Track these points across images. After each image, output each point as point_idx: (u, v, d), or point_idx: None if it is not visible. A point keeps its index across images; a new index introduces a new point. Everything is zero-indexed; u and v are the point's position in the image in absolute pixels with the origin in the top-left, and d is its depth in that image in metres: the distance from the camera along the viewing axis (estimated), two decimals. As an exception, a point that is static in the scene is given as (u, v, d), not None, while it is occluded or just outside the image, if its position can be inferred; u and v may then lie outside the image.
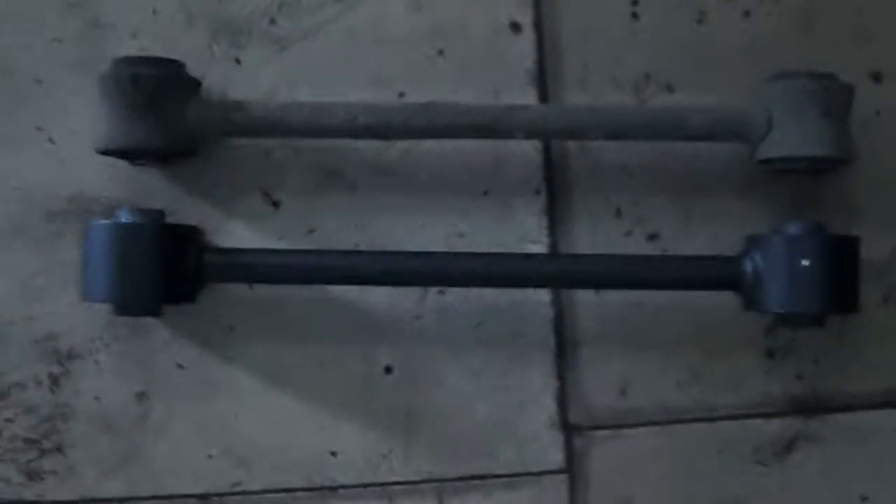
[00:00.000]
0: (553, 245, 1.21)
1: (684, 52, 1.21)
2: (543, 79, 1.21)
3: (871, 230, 1.19)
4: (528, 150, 1.21)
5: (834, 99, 1.13)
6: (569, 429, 1.21)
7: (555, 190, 1.21)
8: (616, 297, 1.20)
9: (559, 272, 1.17)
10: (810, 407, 1.21)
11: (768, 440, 1.20)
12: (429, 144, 1.20)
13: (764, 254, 1.12)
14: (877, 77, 1.21)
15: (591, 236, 1.21)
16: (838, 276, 1.12)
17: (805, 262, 1.11)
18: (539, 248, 1.21)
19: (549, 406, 1.20)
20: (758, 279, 1.12)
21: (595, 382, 1.21)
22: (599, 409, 1.21)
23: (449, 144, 1.20)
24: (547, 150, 1.21)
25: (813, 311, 1.13)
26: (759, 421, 1.21)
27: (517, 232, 1.21)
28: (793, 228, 1.13)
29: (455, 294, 1.20)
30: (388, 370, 1.21)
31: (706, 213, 1.21)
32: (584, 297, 1.21)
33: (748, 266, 1.13)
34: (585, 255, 1.20)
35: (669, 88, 1.21)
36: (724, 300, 1.17)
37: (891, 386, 1.21)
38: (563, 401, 1.21)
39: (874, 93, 1.21)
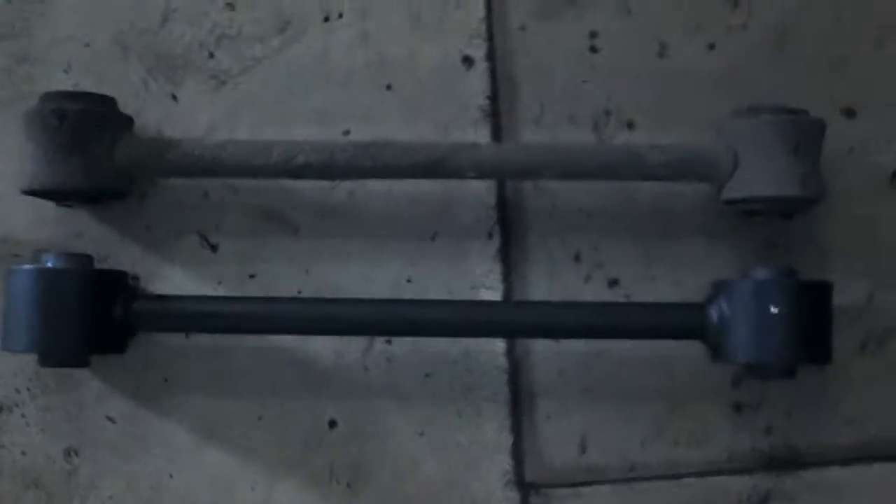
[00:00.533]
0: (507, 292, 1.14)
1: (646, 87, 1.15)
2: (497, 115, 1.15)
3: (845, 274, 1.12)
4: (480, 190, 1.14)
5: (804, 135, 1.06)
6: (525, 487, 1.13)
7: (509, 233, 1.15)
8: (575, 347, 1.13)
9: (514, 320, 1.10)
10: (782, 463, 1.13)
11: (738, 500, 1.13)
12: (375, 185, 1.14)
13: (730, 301, 1.06)
14: (849, 112, 1.15)
15: (548, 282, 1.14)
16: (810, 325, 1.05)
17: (774, 310, 1.04)
18: (493, 294, 1.14)
19: (503, 463, 1.13)
20: (724, 328, 1.05)
21: (553, 437, 1.13)
22: (558, 465, 1.13)
23: (396, 185, 1.13)
24: (500, 191, 1.14)
25: (783, 361, 1.06)
26: (727, 478, 1.13)
27: (469, 278, 1.14)
28: (761, 273, 1.06)
29: (403, 344, 1.13)
30: (332, 424, 1.13)
31: (669, 258, 1.14)
32: (542, 347, 1.14)
33: (714, 314, 1.06)
34: (542, 303, 1.13)
35: (630, 125, 1.15)
36: (689, 350, 1.10)
37: (868, 439, 1.13)
38: (518, 457, 1.13)
39: (847, 129, 1.14)
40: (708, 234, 1.14)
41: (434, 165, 1.08)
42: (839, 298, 1.07)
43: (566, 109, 1.15)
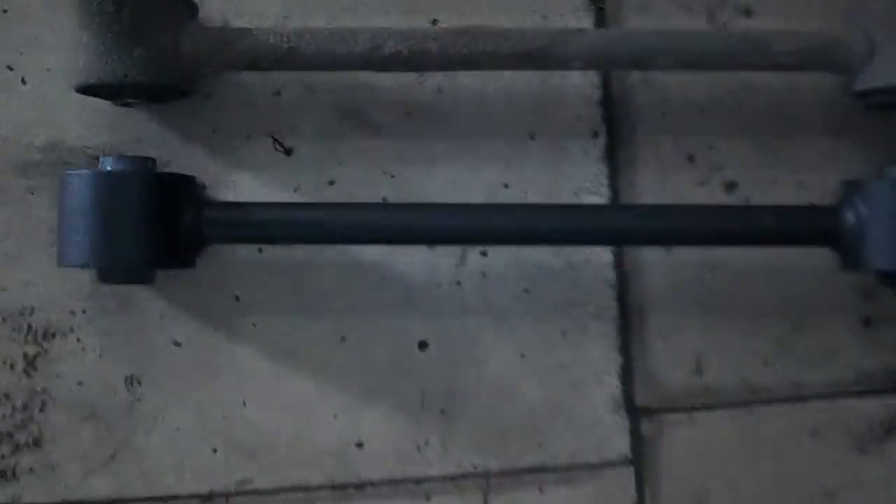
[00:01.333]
0: (614, 197, 1.03)
1: (764, -32, 1.04)
2: (600, 0, 1.04)
3: None
4: (583, 84, 1.03)
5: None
6: (635, 412, 1.02)
7: (616, 132, 1.03)
8: (689, 257, 1.02)
9: (622, 226, 0.98)
10: (916, 383, 1.04)
11: (867, 423, 1.02)
12: (466, 80, 1.02)
13: (867, 201, 0.95)
14: None
15: (659, 186, 1.03)
16: None
17: None
18: (598, 200, 1.03)
19: (611, 386, 1.02)
20: (860, 232, 0.95)
21: (666, 357, 1.03)
22: (671, 388, 1.03)
23: (490, 80, 1.02)
24: (606, 85, 1.03)
25: None
26: (856, 400, 1.03)
27: (572, 182, 1.03)
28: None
29: (499, 255, 1.02)
30: (422, 346, 1.03)
31: (794, 158, 1.03)
32: (653, 258, 1.03)
33: (849, 216, 0.95)
34: (653, 206, 1.01)
35: (748, 13, 1.04)
36: (815, 260, 1.00)
37: None
38: (628, 379, 1.03)
39: None
40: (836, 132, 1.03)
41: (535, 54, 0.96)
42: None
43: (676, -5, 1.04)
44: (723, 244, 1.00)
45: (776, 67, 0.98)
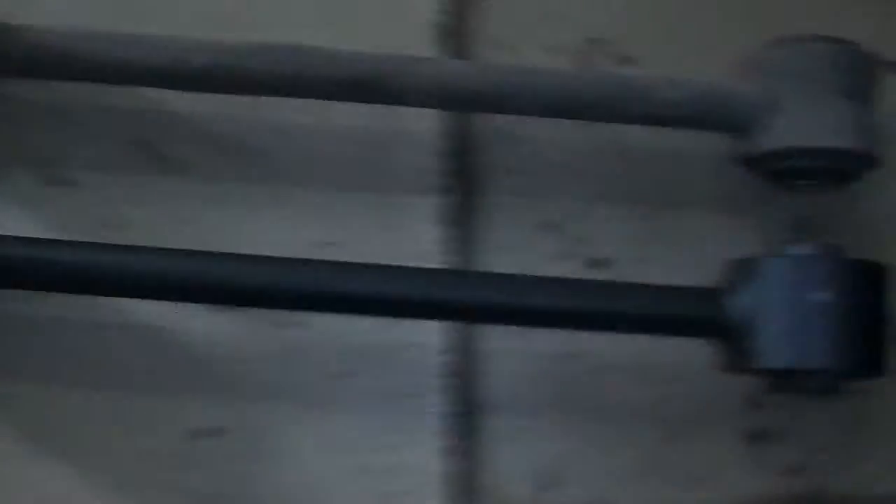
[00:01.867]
0: (459, 267, 0.86)
1: (649, 9, 0.90)
2: (455, 37, 0.88)
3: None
4: (431, 132, 0.86)
5: (860, 73, 0.82)
6: (471, 532, 0.84)
7: (466, 190, 0.87)
8: (547, 345, 0.85)
9: (461, 297, 0.80)
10: (811, 513, 0.86)
11: (746, 561, 0.85)
12: (296, 116, 0.85)
13: (758, 285, 0.79)
14: None
15: (514, 257, 0.86)
16: (862, 321, 0.79)
17: (818, 297, 0.78)
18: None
19: (442, 498, 0.83)
20: (748, 321, 0.78)
21: (512, 468, 0.85)
22: (516, 504, 0.85)
23: (324, 118, 0.85)
24: (459, 135, 0.87)
25: (827, 368, 0.79)
26: (737, 531, 0.86)
27: (409, 244, 0.85)
28: (799, 250, 0.80)
29: (320, 328, 0.84)
30: (211, 434, 0.83)
31: (677, 234, 0.87)
32: (501, 343, 0.85)
33: (734, 302, 0.79)
34: (501, 275, 0.83)
35: (627, 59, 0.89)
36: (694, 356, 0.83)
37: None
38: (464, 491, 0.84)
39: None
40: (729, 206, 0.87)
41: (370, 83, 0.80)
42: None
43: (543, 34, 0.88)
44: (583, 327, 0.82)
45: (659, 121, 0.82)
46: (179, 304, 0.82)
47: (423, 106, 0.82)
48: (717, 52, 0.87)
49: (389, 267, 0.80)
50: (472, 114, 0.87)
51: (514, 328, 0.85)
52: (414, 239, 0.85)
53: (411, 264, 0.82)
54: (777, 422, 0.86)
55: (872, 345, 0.80)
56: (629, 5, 0.90)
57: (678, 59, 0.88)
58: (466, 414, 0.84)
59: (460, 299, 0.80)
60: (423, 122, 0.86)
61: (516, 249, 0.86)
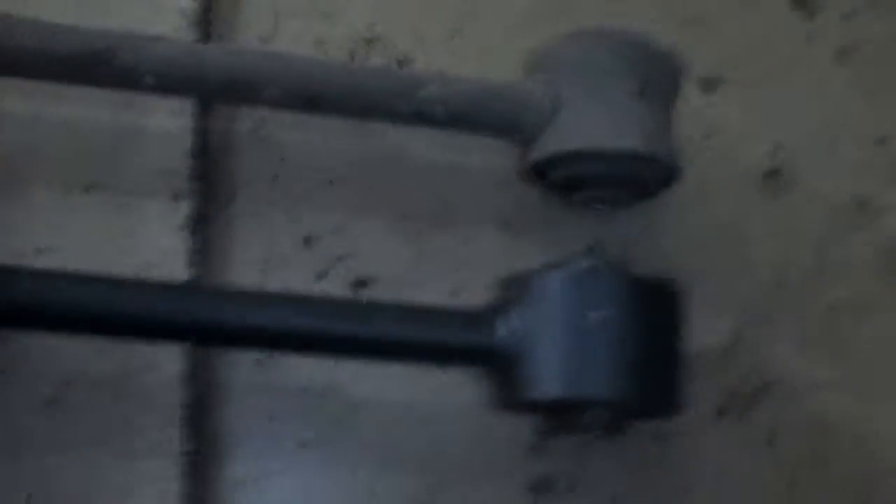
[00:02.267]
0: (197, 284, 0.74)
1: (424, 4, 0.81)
2: (208, 25, 0.78)
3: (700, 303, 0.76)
4: (172, 128, 0.74)
5: (655, 71, 0.73)
6: None
7: (209, 195, 0.75)
8: (294, 376, 0.73)
9: (193, 314, 0.68)
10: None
11: None
12: (14, 106, 0.73)
13: (530, 305, 0.68)
14: (708, 85, 0.82)
15: (262, 275, 0.74)
16: (653, 347, 0.69)
17: (597, 316, 0.67)
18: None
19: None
20: (518, 346, 0.67)
21: (249, 515, 0.72)
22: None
23: (45, 106, 0.73)
24: (201, 130, 0.75)
25: (610, 400, 0.68)
26: None
27: (137, 257, 0.73)
28: (577, 264, 0.69)
29: (34, 347, 0.71)
30: None
31: (449, 253, 0.77)
32: (241, 372, 0.74)
33: (504, 325, 0.68)
34: (240, 293, 0.72)
35: (401, 60, 0.79)
36: (470, 389, 0.72)
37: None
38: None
39: (705, 104, 0.81)
40: (507, 224, 0.77)
41: (92, 59, 0.68)
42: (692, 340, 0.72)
43: (308, 27, 0.78)
44: (332, 353, 0.70)
45: (428, 120, 0.72)
46: None
47: (152, 88, 0.71)
48: (502, 54, 0.78)
49: (102, 277, 0.69)
50: (229, 115, 0.77)
51: (259, 355, 0.73)
52: (148, 247, 0.73)
53: (142, 275, 0.71)
54: (563, 468, 0.75)
55: (663, 376, 0.69)
56: (408, 3, 0.81)
57: (460, 61, 0.79)
58: (199, 454, 0.72)
59: (189, 317, 0.68)
60: (166, 120, 0.75)
61: (267, 265, 0.75)
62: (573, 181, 0.74)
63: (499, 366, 0.68)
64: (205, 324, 0.68)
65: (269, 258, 0.75)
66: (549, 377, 0.67)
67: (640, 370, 0.67)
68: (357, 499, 0.73)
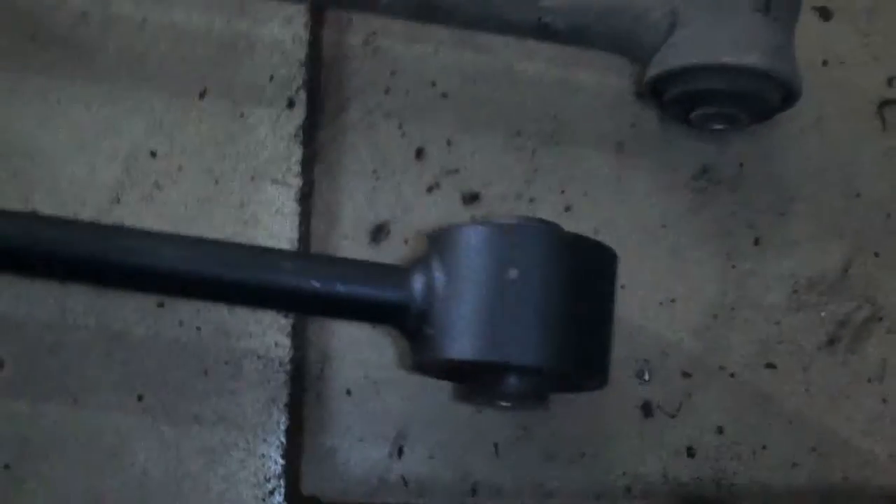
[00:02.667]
0: (306, 190, 0.73)
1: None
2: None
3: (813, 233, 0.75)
4: (283, 36, 0.75)
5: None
6: None
7: (319, 105, 0.75)
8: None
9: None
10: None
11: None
12: (124, 7, 0.73)
13: (450, 260, 0.62)
14: (825, 14, 0.80)
15: (370, 184, 0.74)
16: (581, 310, 0.62)
17: (518, 273, 0.60)
18: (285, 192, 0.73)
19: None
20: (434, 304, 0.61)
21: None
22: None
23: (157, 8, 0.73)
24: (315, 43, 0.75)
25: (527, 363, 0.61)
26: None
27: (248, 162, 0.73)
28: (503, 220, 0.62)
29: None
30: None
31: (560, 171, 0.75)
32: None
33: (420, 280, 0.62)
34: (148, 233, 0.64)
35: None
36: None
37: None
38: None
39: (823, 31, 0.80)
40: (618, 143, 0.75)
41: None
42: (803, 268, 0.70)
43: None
44: (229, 300, 0.67)
45: (546, 32, 0.71)
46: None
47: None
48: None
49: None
50: (342, 25, 0.76)
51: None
52: (256, 155, 0.73)
53: (251, 183, 0.71)
54: (665, 397, 0.74)
55: (589, 344, 0.62)
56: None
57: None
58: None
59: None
60: (278, 28, 0.75)
61: (377, 176, 0.74)
62: (690, 98, 0.72)
63: (413, 323, 0.62)
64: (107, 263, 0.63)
65: (380, 169, 0.74)
66: (464, 337, 0.60)
67: (564, 336, 0.60)
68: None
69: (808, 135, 0.77)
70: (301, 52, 0.74)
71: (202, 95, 0.73)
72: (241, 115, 0.73)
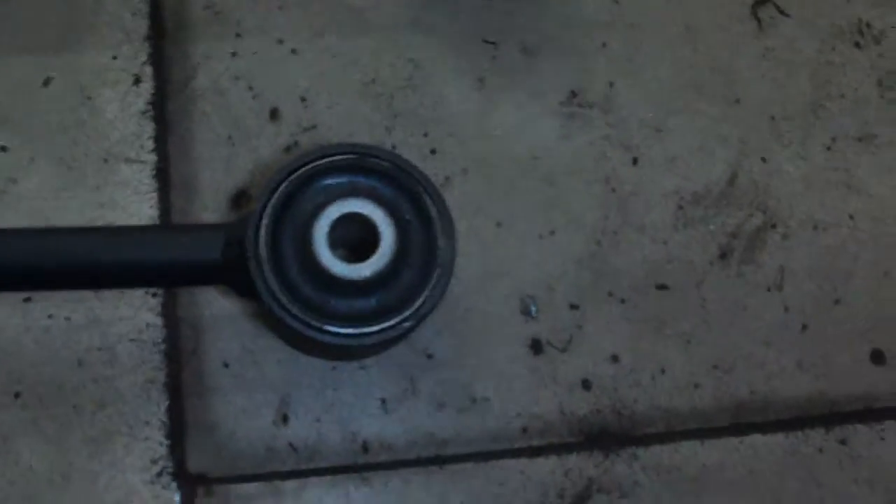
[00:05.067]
0: (162, 167, 0.71)
1: None
2: None
3: (696, 146, 0.72)
4: (118, 10, 0.73)
5: None
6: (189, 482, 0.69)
7: (165, 74, 0.73)
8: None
9: None
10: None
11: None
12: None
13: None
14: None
15: (225, 151, 0.72)
16: None
17: None
18: (139, 170, 0.71)
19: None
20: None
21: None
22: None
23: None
24: (154, 11, 0.73)
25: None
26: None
27: (103, 145, 0.71)
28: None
29: None
30: None
31: (419, 113, 0.74)
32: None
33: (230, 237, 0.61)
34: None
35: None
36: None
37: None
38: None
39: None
40: (478, 82, 0.74)
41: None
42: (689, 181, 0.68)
43: None
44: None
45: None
46: None
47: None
48: None
49: None
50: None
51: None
52: (108, 135, 0.72)
53: (104, 165, 0.69)
54: (558, 327, 0.72)
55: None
56: None
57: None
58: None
59: None
60: (126, 5, 0.73)
61: (238, 140, 0.73)
62: None
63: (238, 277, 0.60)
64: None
65: (234, 134, 0.72)
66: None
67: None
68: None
69: (679, 45, 0.75)
70: (143, 27, 0.73)
71: (46, 83, 0.72)
72: (89, 98, 0.71)
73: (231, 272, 0.60)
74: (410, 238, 0.59)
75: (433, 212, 0.59)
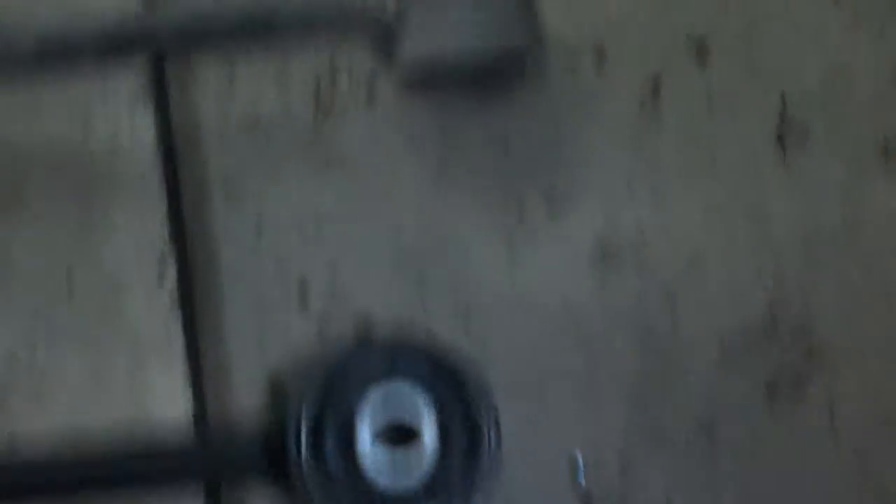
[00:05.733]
0: (192, 357, 0.71)
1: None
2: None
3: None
4: (139, 226, 0.73)
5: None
6: None
7: (188, 272, 0.72)
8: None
9: None
10: None
11: None
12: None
13: None
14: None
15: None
16: None
17: None
18: (169, 365, 0.70)
19: None
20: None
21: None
22: None
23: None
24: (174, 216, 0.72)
25: None
26: None
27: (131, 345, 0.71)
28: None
29: None
30: None
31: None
32: None
33: None
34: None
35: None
36: None
37: None
38: None
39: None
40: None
41: None
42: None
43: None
44: None
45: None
46: None
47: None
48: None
49: None
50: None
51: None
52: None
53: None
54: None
55: None
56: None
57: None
58: None
59: None
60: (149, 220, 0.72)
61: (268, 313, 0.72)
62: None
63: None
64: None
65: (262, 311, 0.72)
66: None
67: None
68: None
69: (705, 179, 0.73)
70: (164, 231, 0.72)
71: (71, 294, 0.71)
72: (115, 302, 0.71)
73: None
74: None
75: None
